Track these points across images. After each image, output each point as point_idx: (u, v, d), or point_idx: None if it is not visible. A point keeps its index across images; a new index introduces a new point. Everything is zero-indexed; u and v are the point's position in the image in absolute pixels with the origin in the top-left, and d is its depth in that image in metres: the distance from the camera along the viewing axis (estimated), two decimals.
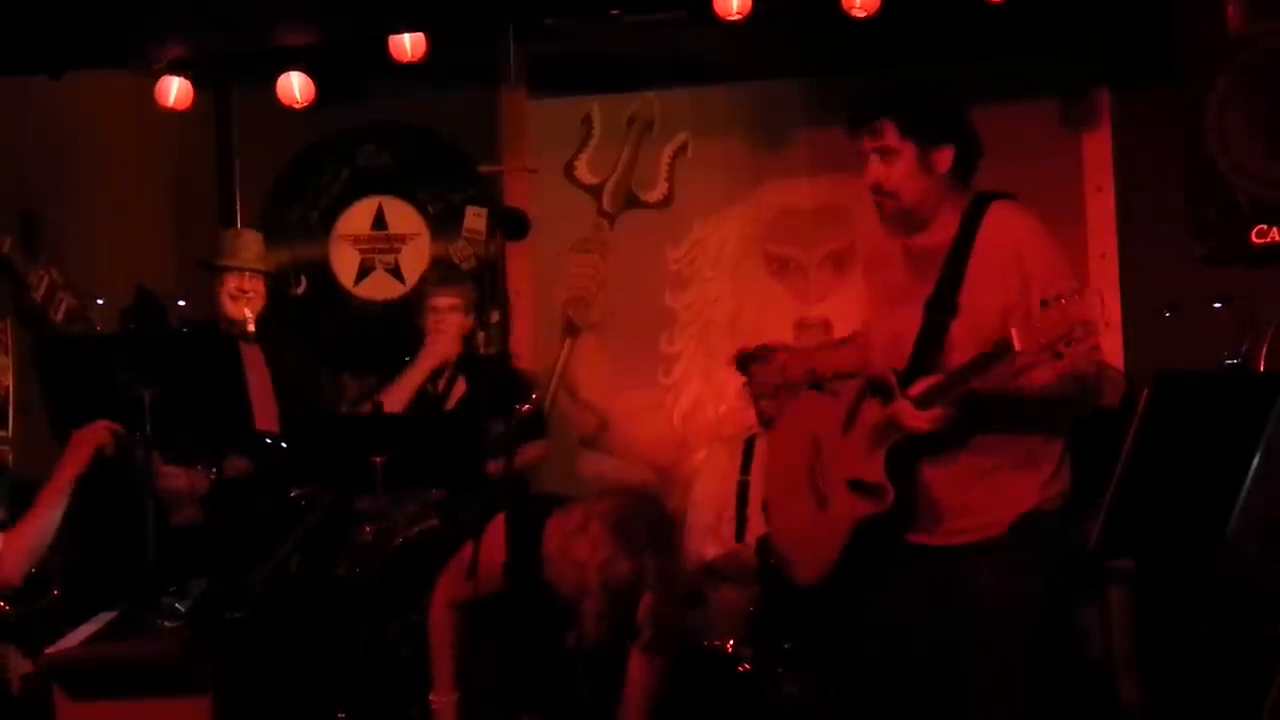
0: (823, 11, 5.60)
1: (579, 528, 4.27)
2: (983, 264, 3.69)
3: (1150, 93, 5.81)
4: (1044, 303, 3.36)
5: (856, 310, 4.15)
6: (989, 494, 3.71)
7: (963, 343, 3.66)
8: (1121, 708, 5.08)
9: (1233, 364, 4.79)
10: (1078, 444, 3.80)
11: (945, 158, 3.72)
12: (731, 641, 5.14)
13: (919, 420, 3.58)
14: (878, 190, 3.76)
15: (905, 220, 3.79)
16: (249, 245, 5.82)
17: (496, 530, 4.19)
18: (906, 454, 3.67)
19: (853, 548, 3.75)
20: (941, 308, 3.70)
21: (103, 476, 4.33)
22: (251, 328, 5.58)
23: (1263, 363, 4.82)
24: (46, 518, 4.10)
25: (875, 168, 3.75)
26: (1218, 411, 3.64)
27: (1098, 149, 5.91)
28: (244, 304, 5.65)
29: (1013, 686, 3.67)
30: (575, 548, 4.24)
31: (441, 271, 6.33)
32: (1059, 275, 3.64)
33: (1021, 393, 3.56)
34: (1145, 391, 3.60)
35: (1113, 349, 5.74)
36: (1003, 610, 3.67)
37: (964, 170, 3.78)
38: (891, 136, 3.72)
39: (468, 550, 4.30)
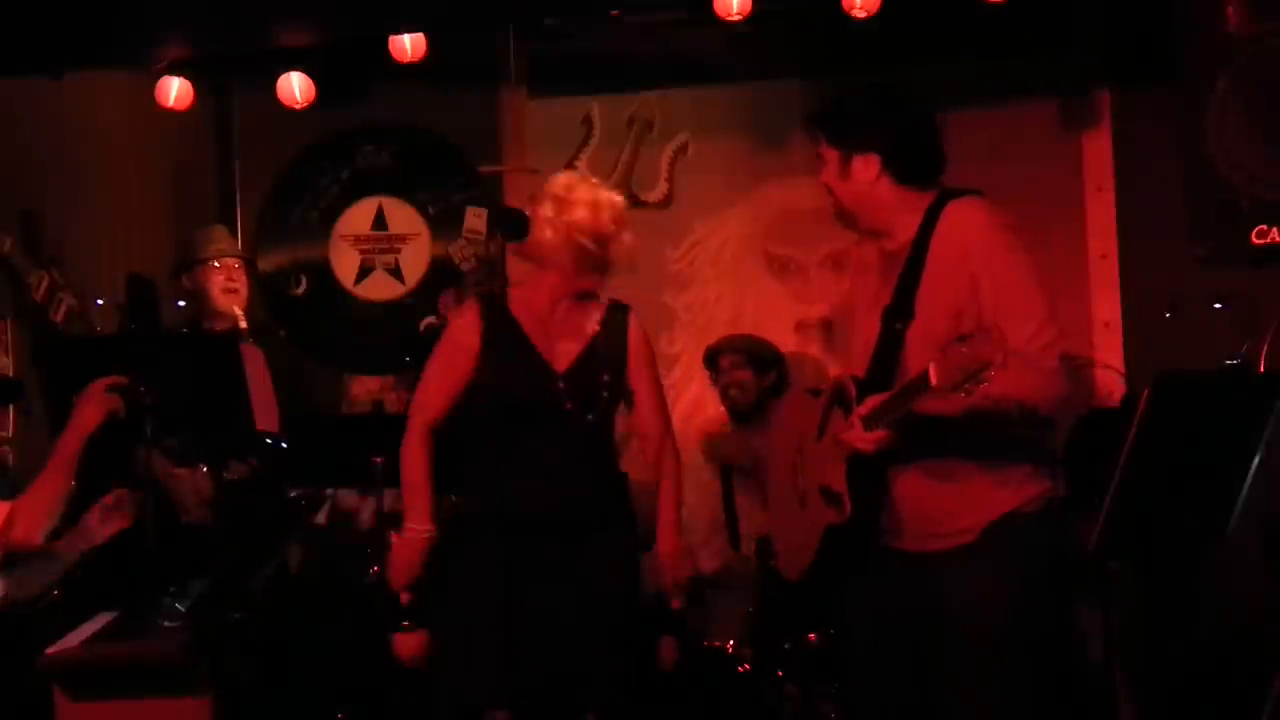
0: (823, 11, 5.61)
1: None
2: (936, 265, 3.68)
3: (1150, 93, 5.81)
4: (961, 338, 3.36)
5: None
6: (960, 500, 3.66)
7: (918, 348, 3.63)
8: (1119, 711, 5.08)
9: (1233, 364, 4.79)
10: (1077, 444, 3.79)
11: (866, 165, 3.75)
12: (731, 642, 5.15)
13: (864, 442, 3.57)
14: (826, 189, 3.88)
15: (850, 221, 3.86)
16: (223, 237, 5.90)
17: None
18: (871, 464, 3.65)
19: (824, 551, 3.76)
20: (898, 313, 3.70)
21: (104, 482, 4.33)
22: (244, 324, 5.59)
23: (1263, 363, 4.82)
24: (59, 480, 4.11)
25: (822, 172, 3.87)
26: (1218, 411, 3.65)
27: (1098, 149, 5.90)
28: (233, 298, 5.66)
29: (995, 690, 3.64)
30: None
31: (478, 276, 6.30)
32: (1005, 271, 3.60)
33: (977, 407, 3.52)
34: (1145, 391, 3.60)
35: (1113, 349, 5.75)
36: (979, 614, 3.62)
37: (908, 176, 3.76)
38: (821, 144, 3.84)
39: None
